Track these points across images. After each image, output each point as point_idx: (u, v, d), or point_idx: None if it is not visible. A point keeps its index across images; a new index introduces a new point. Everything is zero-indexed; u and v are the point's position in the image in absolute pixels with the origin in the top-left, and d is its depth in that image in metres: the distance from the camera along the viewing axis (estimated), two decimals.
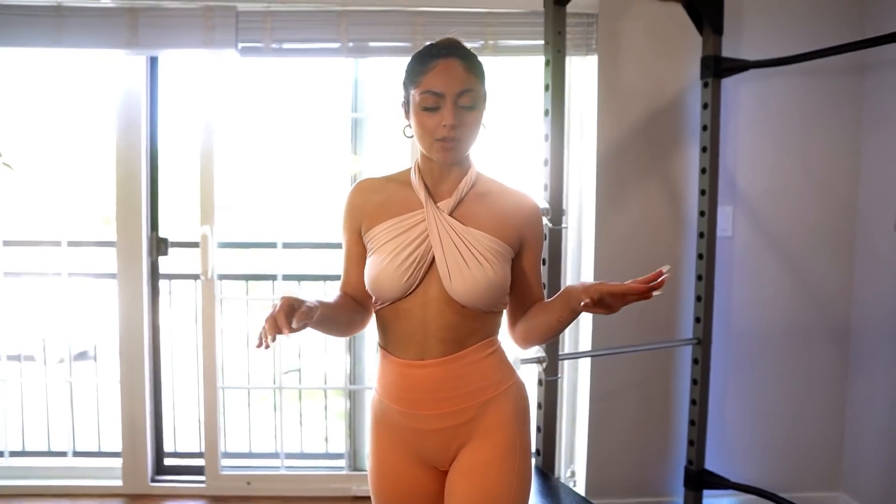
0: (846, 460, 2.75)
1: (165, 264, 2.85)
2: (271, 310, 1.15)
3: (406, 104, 1.36)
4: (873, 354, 2.61)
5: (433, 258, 1.31)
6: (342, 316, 1.37)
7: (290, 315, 1.14)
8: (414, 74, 1.31)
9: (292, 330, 1.14)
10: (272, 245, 2.81)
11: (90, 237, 3.22)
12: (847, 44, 2.16)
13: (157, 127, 2.77)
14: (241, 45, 2.52)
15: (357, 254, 1.41)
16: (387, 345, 1.38)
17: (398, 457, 1.39)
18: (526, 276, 1.40)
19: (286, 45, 2.55)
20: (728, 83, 2.52)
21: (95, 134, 2.95)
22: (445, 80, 1.27)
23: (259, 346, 1.15)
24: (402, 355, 1.35)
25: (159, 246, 2.79)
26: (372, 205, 1.38)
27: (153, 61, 2.73)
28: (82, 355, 3.50)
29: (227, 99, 2.71)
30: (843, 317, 2.71)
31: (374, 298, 1.37)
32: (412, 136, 1.36)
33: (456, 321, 1.32)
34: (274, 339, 1.14)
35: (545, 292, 1.52)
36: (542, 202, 2.16)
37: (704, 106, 2.41)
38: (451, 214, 1.34)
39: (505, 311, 1.44)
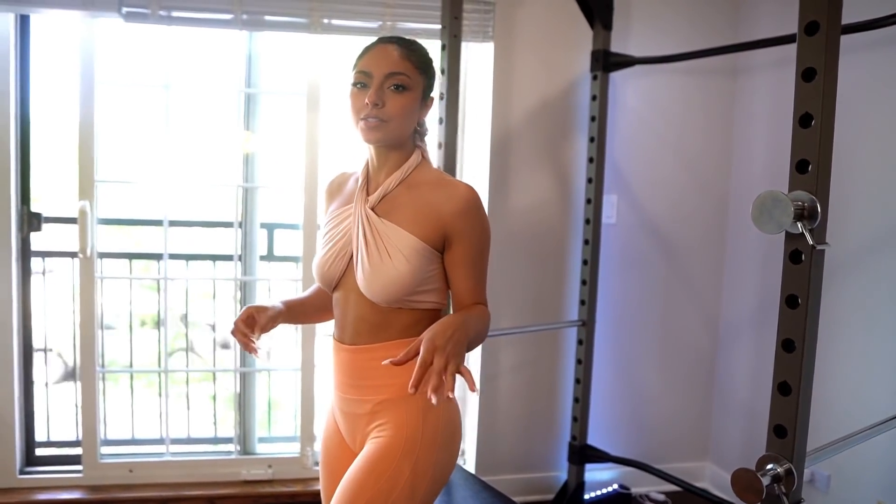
0: (713, 433, 2.98)
1: (39, 241, 2.66)
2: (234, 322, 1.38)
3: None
4: (738, 336, 2.84)
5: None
6: (310, 308, 1.54)
7: (251, 325, 1.38)
8: (354, 60, 1.34)
9: (259, 335, 1.38)
10: (158, 223, 2.68)
11: None
12: (721, 46, 2.34)
13: (28, 93, 2.57)
14: (125, 9, 2.37)
15: None
16: (334, 324, 1.47)
17: (331, 425, 1.48)
18: (452, 271, 1.35)
19: (175, 14, 2.43)
20: (616, 77, 2.64)
21: None
22: (376, 60, 1.30)
23: (253, 354, 1.40)
24: (335, 335, 1.44)
25: (31, 221, 2.61)
26: (335, 195, 1.48)
27: (24, 20, 2.52)
28: None
29: (109, 65, 2.55)
30: (714, 301, 2.92)
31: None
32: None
33: (366, 313, 1.34)
34: (254, 351, 1.39)
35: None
36: None
37: (593, 98, 2.52)
38: (374, 207, 1.34)
39: None
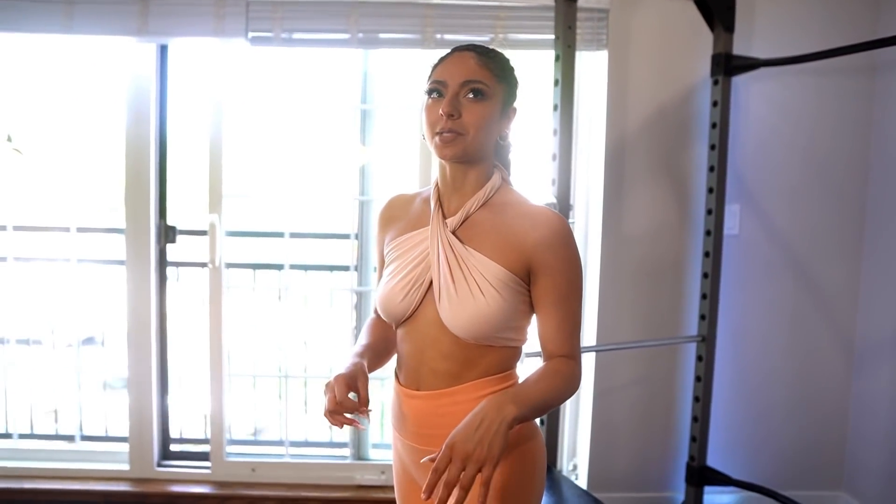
0: (847, 460, 2.76)
1: (173, 252, 2.87)
2: (327, 404, 1.15)
3: None
4: (878, 355, 2.61)
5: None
6: (381, 352, 1.34)
7: (349, 403, 1.14)
8: (430, 70, 1.25)
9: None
10: (279, 235, 2.82)
11: (99, 224, 3.24)
12: (859, 44, 2.15)
13: (166, 115, 2.78)
14: (251, 34, 2.52)
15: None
16: (396, 365, 1.33)
17: (401, 468, 1.36)
18: (539, 309, 1.21)
19: (296, 36, 2.55)
20: (738, 81, 2.51)
21: (105, 121, 2.95)
22: (452, 69, 1.19)
23: (360, 424, 1.19)
24: (401, 379, 1.29)
25: (167, 233, 2.81)
26: (395, 220, 1.33)
27: (163, 49, 2.73)
28: (89, 341, 3.52)
29: (236, 88, 2.72)
30: (849, 317, 2.71)
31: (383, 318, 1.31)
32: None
33: (451, 351, 1.20)
34: (342, 426, 1.17)
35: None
36: (550, 197, 2.17)
37: (714, 103, 2.41)
38: (455, 232, 1.21)
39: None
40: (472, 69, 1.19)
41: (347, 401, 1.14)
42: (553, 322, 1.20)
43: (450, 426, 1.13)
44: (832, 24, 2.57)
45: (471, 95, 1.18)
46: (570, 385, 1.21)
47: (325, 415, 1.16)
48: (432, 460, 1.03)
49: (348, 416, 1.16)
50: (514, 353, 1.25)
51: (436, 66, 1.24)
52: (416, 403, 1.25)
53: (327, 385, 1.17)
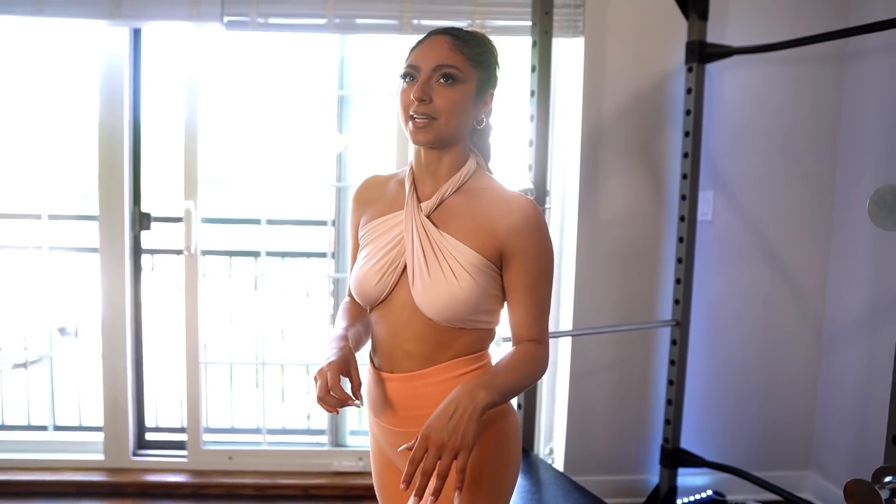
0: (816, 440, 2.83)
1: (148, 239, 2.84)
2: (318, 390, 1.13)
3: None
4: (845, 338, 2.68)
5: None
6: (362, 334, 1.31)
7: (343, 392, 1.14)
8: (407, 54, 1.24)
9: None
10: (256, 221, 2.80)
11: (71, 211, 3.19)
12: (829, 32, 2.20)
13: (139, 99, 2.74)
14: (226, 18, 2.49)
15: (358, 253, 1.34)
16: (371, 349, 1.33)
17: (378, 453, 1.36)
18: (510, 294, 1.23)
19: (272, 20, 2.53)
20: (711, 69, 2.54)
21: (77, 106, 2.91)
22: (425, 53, 1.19)
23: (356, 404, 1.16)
24: (376, 362, 1.29)
25: (142, 220, 2.78)
26: (370, 202, 1.32)
27: (136, 32, 2.69)
28: (61, 330, 3.48)
29: (211, 72, 2.69)
30: (818, 301, 2.77)
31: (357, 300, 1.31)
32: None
33: (424, 334, 1.21)
34: (336, 411, 1.15)
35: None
36: (527, 182, 2.18)
37: (688, 91, 2.44)
38: (429, 216, 1.22)
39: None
40: (445, 53, 1.18)
41: (339, 387, 1.14)
42: (523, 307, 1.22)
43: (425, 407, 1.16)
44: (804, 13, 2.62)
45: (442, 80, 1.18)
46: (539, 369, 1.23)
47: (319, 402, 1.14)
48: (410, 448, 1.05)
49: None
50: (486, 335, 1.27)
51: (412, 49, 1.23)
52: (391, 386, 1.25)
53: (319, 372, 1.15)
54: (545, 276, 1.22)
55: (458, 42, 1.20)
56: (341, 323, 1.31)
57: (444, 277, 1.17)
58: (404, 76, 1.21)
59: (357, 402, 1.16)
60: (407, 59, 1.22)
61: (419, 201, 1.24)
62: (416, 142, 1.21)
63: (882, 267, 2.48)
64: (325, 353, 1.20)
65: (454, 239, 1.19)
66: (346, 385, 1.17)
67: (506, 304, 1.26)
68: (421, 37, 1.25)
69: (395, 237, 1.23)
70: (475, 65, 1.21)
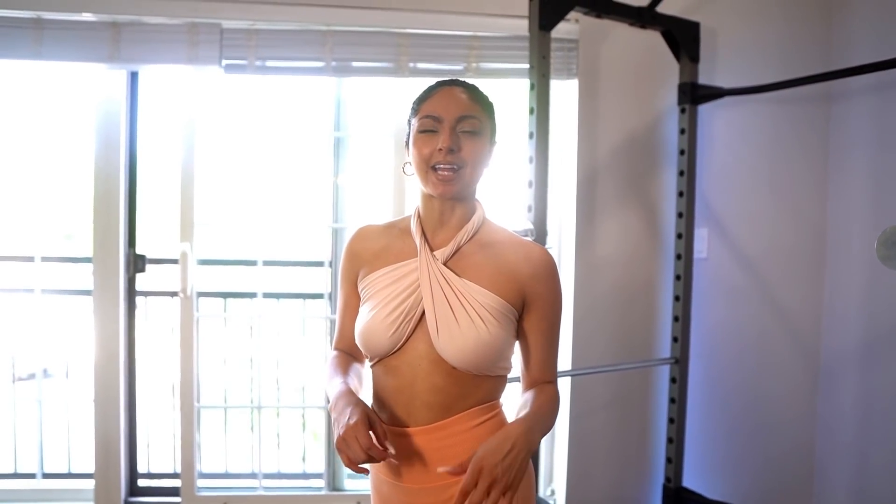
0: (817, 475, 2.82)
1: (142, 281, 2.81)
2: (352, 456, 1.09)
3: (408, 138, 1.26)
4: (842, 373, 2.69)
5: (423, 311, 1.19)
6: (357, 384, 1.27)
7: (370, 445, 1.09)
8: (416, 104, 1.25)
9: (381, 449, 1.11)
10: (252, 263, 2.79)
11: (63, 253, 3.15)
12: (816, 75, 2.27)
13: (136, 141, 2.74)
14: (225, 62, 2.51)
15: (354, 305, 1.31)
16: (377, 406, 1.28)
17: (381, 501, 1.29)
18: (526, 340, 1.25)
19: (270, 63, 2.55)
20: (703, 109, 2.59)
21: (71, 147, 2.90)
22: (445, 103, 1.20)
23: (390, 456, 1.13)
24: (388, 420, 1.24)
25: (136, 262, 2.75)
26: (370, 252, 1.29)
27: (133, 75, 2.70)
28: (44, 371, 3.41)
29: (208, 115, 2.69)
30: (814, 336, 2.79)
31: (364, 353, 1.27)
32: (412, 174, 1.25)
33: (445, 384, 1.19)
34: (364, 466, 1.12)
35: None
36: (527, 223, 2.19)
37: (682, 131, 2.49)
38: (446, 264, 1.21)
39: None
40: (466, 104, 1.20)
41: (375, 446, 1.10)
42: (542, 350, 1.25)
43: (446, 460, 1.15)
44: (789, 54, 2.69)
45: (467, 129, 1.19)
46: (558, 409, 1.27)
47: (352, 466, 1.10)
48: (451, 473, 1.06)
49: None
50: (501, 383, 1.27)
51: (423, 100, 1.23)
52: (407, 442, 1.20)
53: (345, 437, 1.10)
54: (560, 320, 1.27)
55: (473, 93, 1.23)
56: (336, 378, 1.25)
57: (472, 324, 1.16)
58: (424, 129, 1.20)
59: (391, 451, 1.13)
60: (419, 111, 1.22)
61: (432, 250, 1.23)
62: (441, 194, 1.20)
63: (876, 301, 2.51)
64: (337, 414, 1.15)
65: (476, 285, 1.19)
66: None
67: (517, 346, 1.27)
68: (418, 82, 1.28)
69: (408, 286, 1.21)
70: (489, 116, 1.24)
